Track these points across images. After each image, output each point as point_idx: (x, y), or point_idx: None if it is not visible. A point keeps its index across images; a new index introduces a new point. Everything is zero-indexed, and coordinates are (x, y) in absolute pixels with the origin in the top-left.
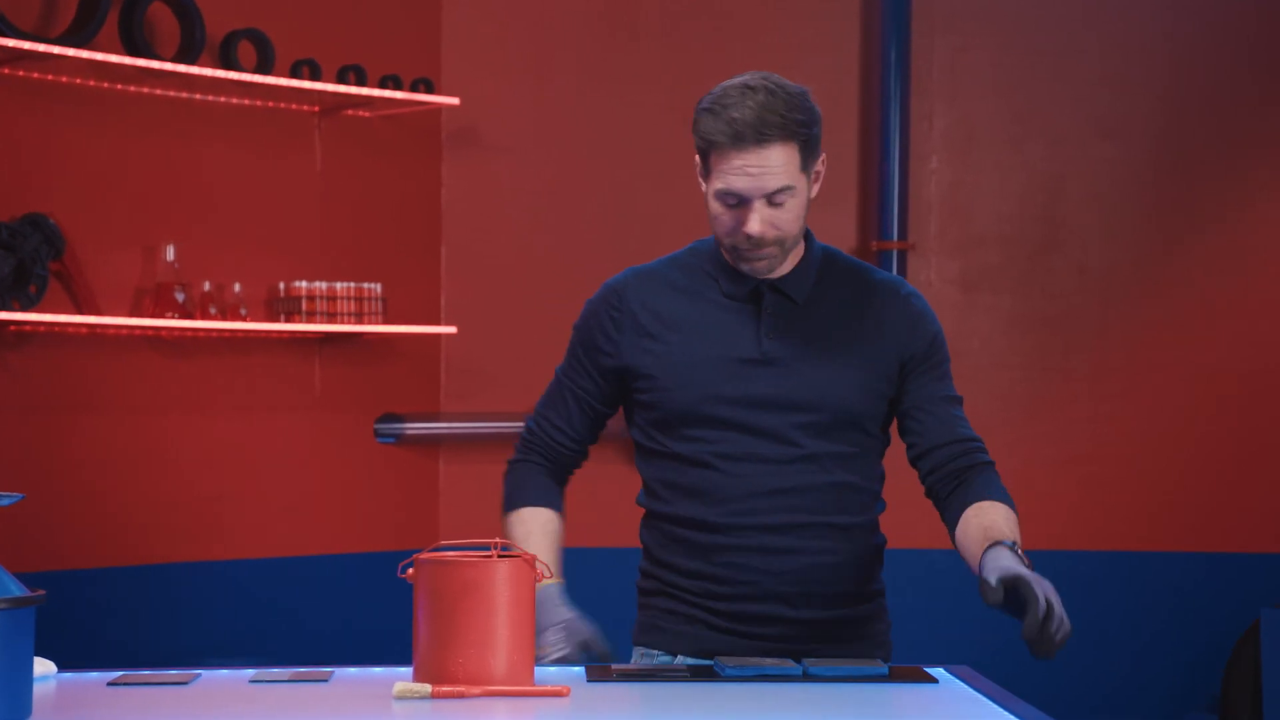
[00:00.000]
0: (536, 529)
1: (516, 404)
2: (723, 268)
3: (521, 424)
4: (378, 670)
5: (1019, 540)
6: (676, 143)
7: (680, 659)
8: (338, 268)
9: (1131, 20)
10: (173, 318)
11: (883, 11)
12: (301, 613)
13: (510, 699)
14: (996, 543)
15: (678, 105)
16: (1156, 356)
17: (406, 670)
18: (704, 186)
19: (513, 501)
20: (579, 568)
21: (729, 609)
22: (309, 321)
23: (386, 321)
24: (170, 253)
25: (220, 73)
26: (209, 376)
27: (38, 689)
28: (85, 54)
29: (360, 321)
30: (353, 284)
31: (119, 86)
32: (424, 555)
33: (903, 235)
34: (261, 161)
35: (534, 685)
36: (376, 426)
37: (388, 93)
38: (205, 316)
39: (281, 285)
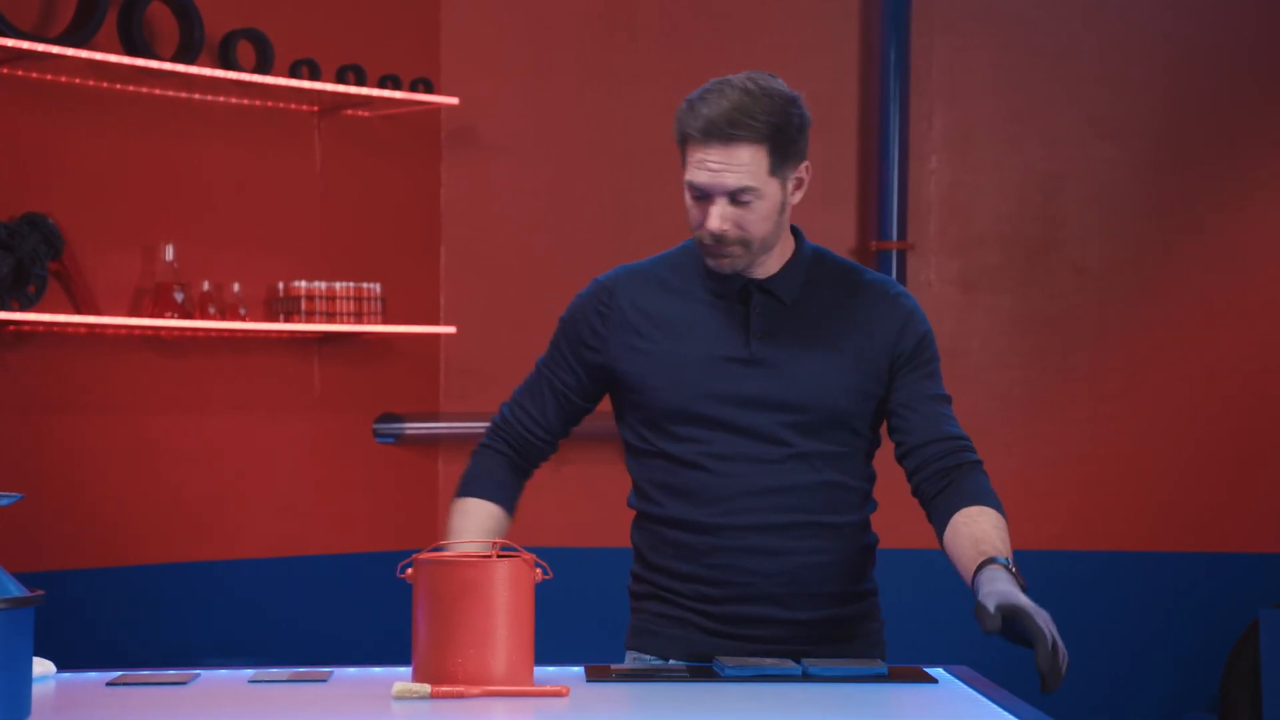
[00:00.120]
0: (472, 525)
1: None
2: (710, 267)
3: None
4: (377, 670)
5: (1010, 552)
6: (675, 143)
7: (672, 663)
8: (337, 268)
9: (1131, 20)
10: (172, 318)
11: (882, 12)
12: (300, 613)
13: (509, 699)
14: (990, 559)
15: (677, 105)
16: (1156, 356)
17: (405, 670)
18: (685, 192)
19: (464, 488)
20: (576, 568)
21: (721, 611)
22: (308, 321)
23: (386, 321)
24: (169, 252)
25: (219, 72)
26: (208, 376)
27: (37, 689)
28: (84, 54)
29: (359, 321)
30: (352, 284)
31: (118, 86)
32: (423, 555)
33: (902, 235)
34: (261, 161)
35: (533, 685)
36: (376, 426)
37: (387, 92)
38: (204, 316)
39: (281, 285)
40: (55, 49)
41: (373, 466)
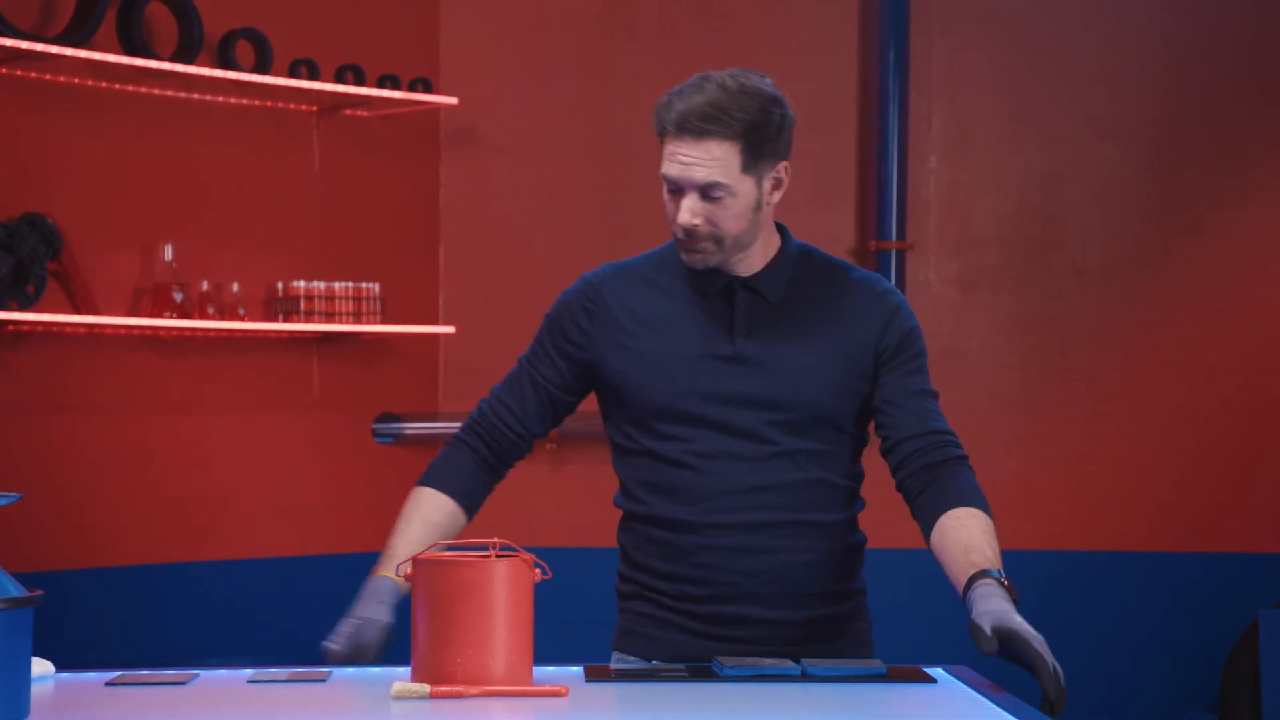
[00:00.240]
0: (419, 518)
1: None
2: (684, 262)
3: None
4: (376, 670)
5: (1000, 559)
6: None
7: (655, 665)
8: (336, 267)
9: (1130, 21)
10: (171, 317)
11: (881, 12)
12: (300, 613)
13: (508, 699)
14: (982, 572)
15: None
16: (1155, 356)
17: (405, 670)
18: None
19: (425, 478)
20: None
21: (705, 611)
22: (307, 321)
23: (385, 321)
24: (168, 252)
25: (218, 72)
26: (207, 376)
27: (36, 689)
28: (83, 54)
29: (358, 321)
30: (351, 284)
31: (117, 86)
32: (422, 555)
33: (901, 235)
34: (260, 161)
35: (532, 685)
36: (375, 426)
37: (386, 92)
38: (203, 316)
39: (280, 285)
40: (54, 49)
41: (372, 466)
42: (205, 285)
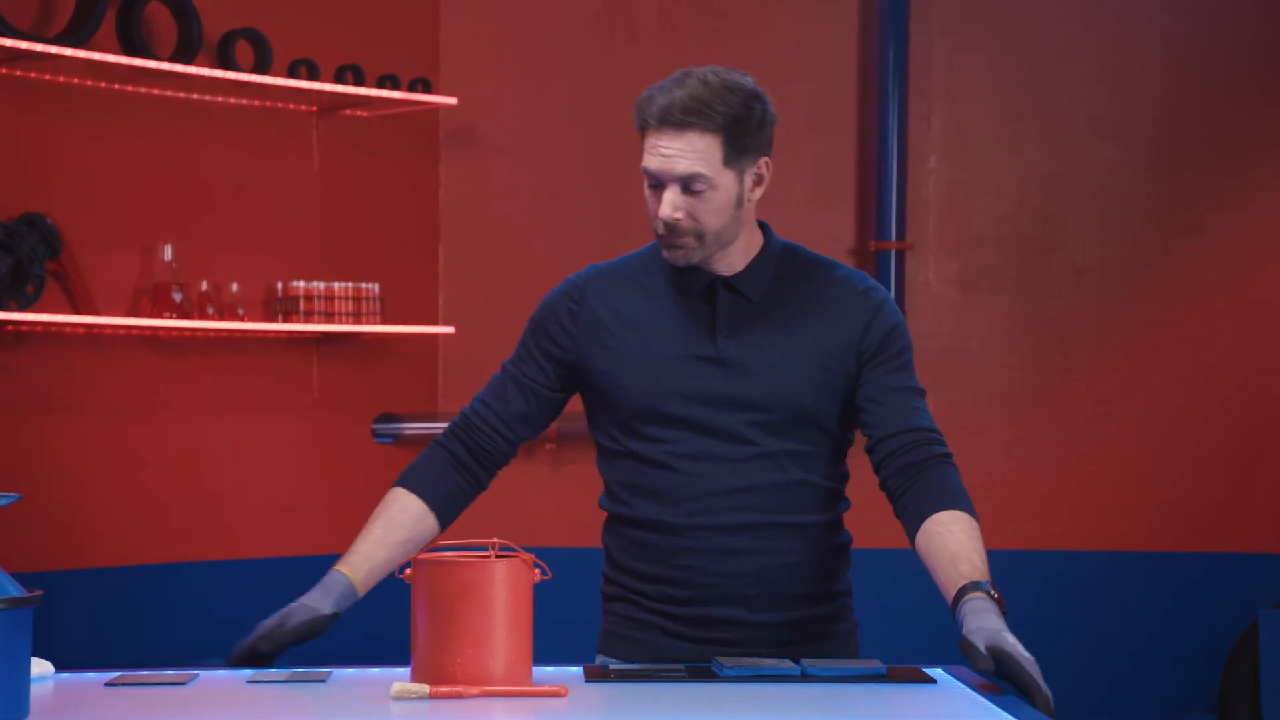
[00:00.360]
0: (384, 517)
1: None
2: (666, 259)
3: None
4: (375, 670)
5: (987, 567)
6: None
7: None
8: (335, 268)
9: (1130, 21)
10: (170, 318)
11: (881, 12)
12: None
13: (508, 699)
14: (972, 585)
15: None
16: (1155, 356)
17: (404, 670)
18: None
19: (399, 479)
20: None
21: (687, 613)
22: (307, 321)
23: (384, 321)
24: (168, 252)
25: (218, 72)
26: (206, 376)
27: (35, 689)
28: (83, 54)
29: (358, 321)
30: (350, 284)
31: (116, 86)
32: (422, 556)
33: (901, 235)
34: (259, 161)
35: (532, 685)
36: (374, 426)
37: (385, 92)
38: (203, 316)
39: (279, 285)
40: (54, 49)
41: (371, 466)
42: (205, 285)
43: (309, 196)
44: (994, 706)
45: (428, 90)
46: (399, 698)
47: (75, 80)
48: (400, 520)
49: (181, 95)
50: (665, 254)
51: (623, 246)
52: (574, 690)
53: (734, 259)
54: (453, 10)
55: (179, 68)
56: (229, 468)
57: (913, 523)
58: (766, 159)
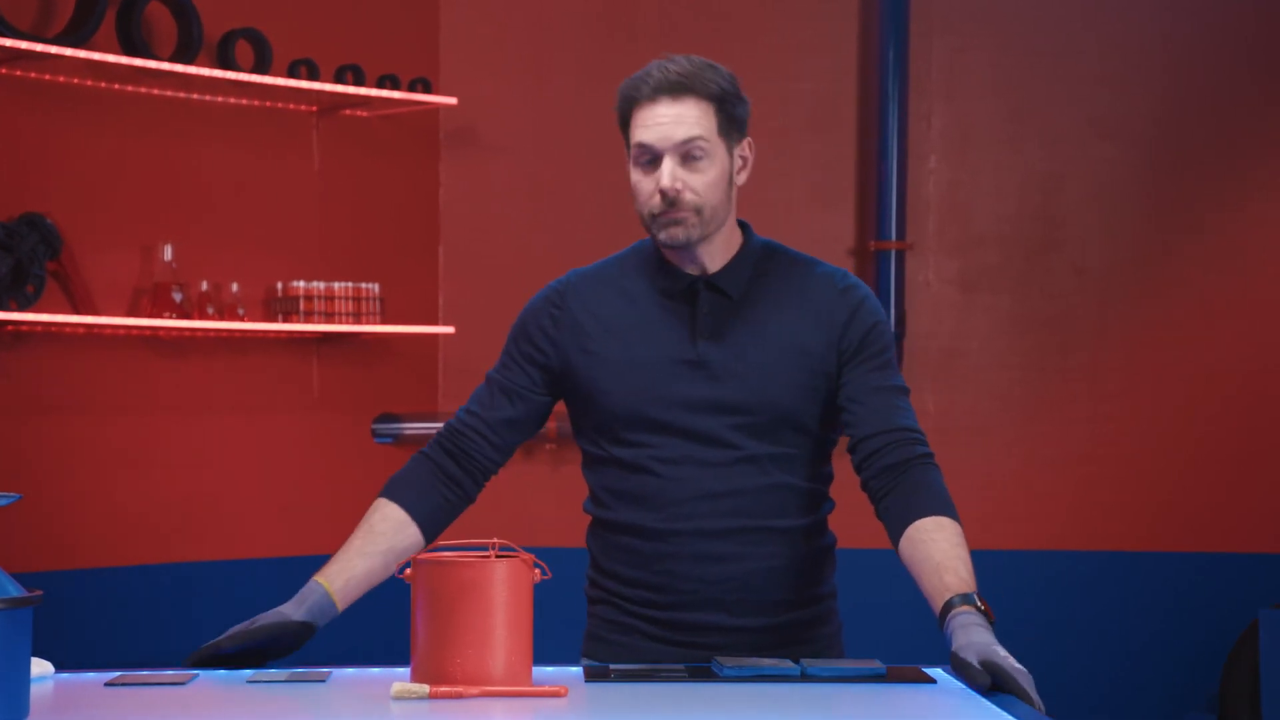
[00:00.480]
0: (364, 527)
1: None
2: (659, 265)
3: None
4: (375, 671)
5: (973, 576)
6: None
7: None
8: (335, 268)
9: (1130, 21)
10: (170, 318)
11: (881, 12)
12: None
13: (508, 699)
14: (960, 598)
15: None
16: (1155, 356)
17: (404, 671)
18: (630, 171)
19: (383, 489)
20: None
21: (668, 618)
22: (307, 321)
23: (384, 321)
24: (168, 252)
25: (218, 72)
26: (206, 376)
27: (35, 689)
28: (83, 54)
29: (358, 321)
30: (350, 284)
31: (116, 86)
32: (422, 555)
33: (901, 235)
34: (259, 161)
35: (531, 685)
36: (374, 426)
37: (385, 92)
38: (203, 316)
39: (279, 285)
40: (54, 49)
41: (371, 466)
42: (205, 285)
43: (309, 196)
44: (994, 707)
45: (428, 90)
46: (399, 698)
47: (75, 80)
48: (380, 530)
49: (181, 95)
50: (662, 235)
51: (621, 246)
52: (574, 690)
53: (716, 254)
54: (453, 10)
55: (179, 68)
56: (229, 468)
57: (896, 528)
58: (750, 141)
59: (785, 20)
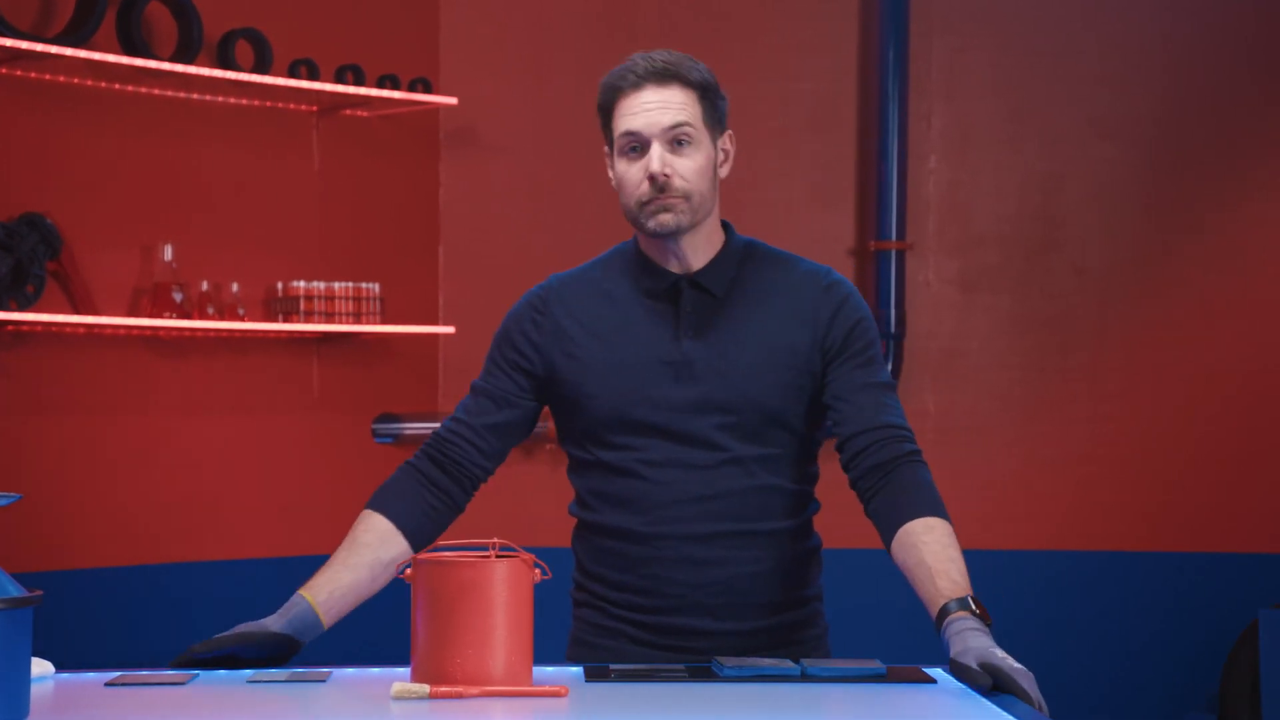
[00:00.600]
0: (349, 540)
1: None
2: (642, 265)
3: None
4: (376, 670)
5: (968, 579)
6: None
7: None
8: (336, 268)
9: (1130, 21)
10: (170, 318)
11: (881, 12)
12: None
13: (508, 699)
14: (956, 603)
15: None
16: (1155, 356)
17: (404, 671)
18: (611, 166)
19: (370, 500)
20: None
21: (653, 622)
22: (307, 321)
23: (384, 321)
24: (168, 252)
25: (218, 72)
26: (206, 376)
27: (35, 689)
28: (83, 53)
29: (358, 321)
30: (351, 284)
31: (116, 86)
32: (422, 556)
33: (901, 235)
34: (259, 161)
35: (532, 685)
36: (374, 426)
37: (386, 92)
38: (203, 316)
39: (279, 285)
40: (54, 49)
41: (371, 466)
42: (205, 285)
43: (309, 196)
44: (994, 707)
45: (428, 90)
46: (399, 698)
47: (75, 80)
48: (364, 541)
49: (181, 95)
50: (651, 223)
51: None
52: (574, 690)
53: (700, 250)
54: (453, 10)
55: (179, 68)
56: (229, 468)
57: (886, 530)
58: (731, 134)
59: (785, 20)
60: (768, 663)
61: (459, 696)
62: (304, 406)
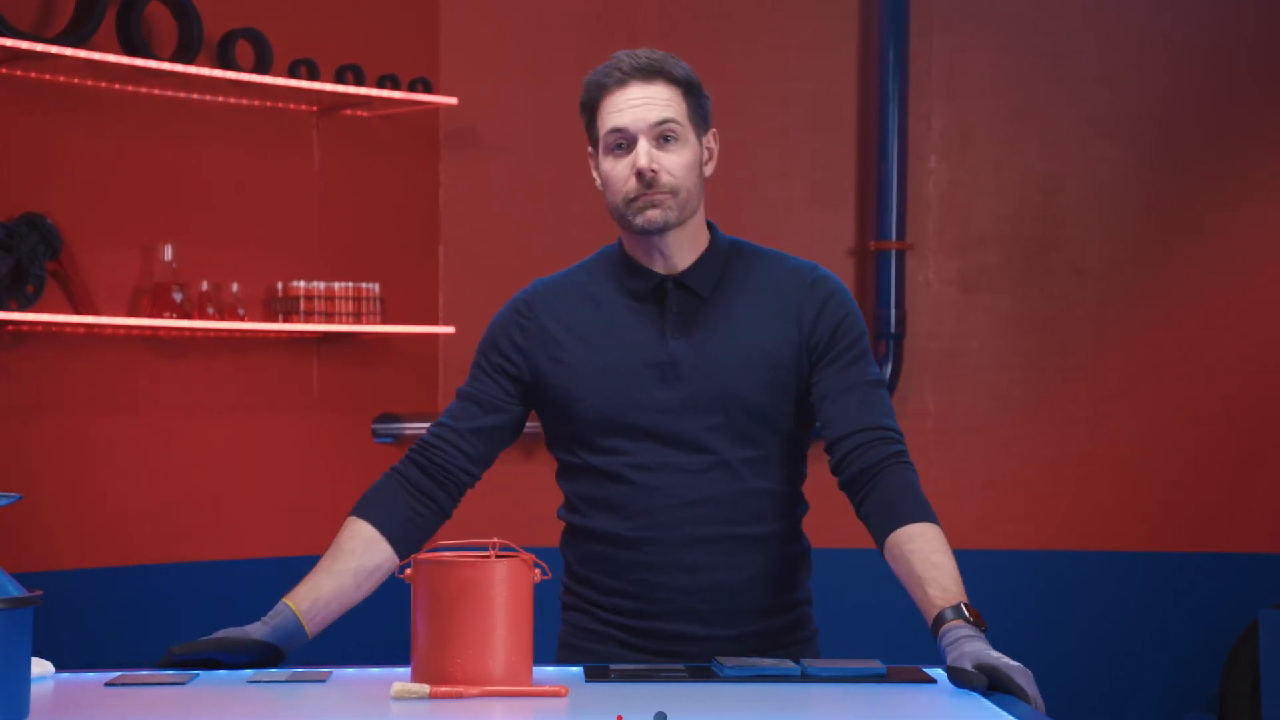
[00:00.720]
0: (333, 547)
1: None
2: (627, 267)
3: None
4: (376, 670)
5: (961, 585)
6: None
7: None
8: (336, 267)
9: (1130, 21)
10: (170, 318)
11: (881, 12)
12: None
13: (508, 699)
14: (952, 611)
15: None
16: (1155, 356)
17: (404, 670)
18: (595, 166)
19: (354, 507)
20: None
21: (641, 626)
22: (307, 321)
23: (384, 321)
24: (168, 252)
25: (218, 72)
26: (207, 376)
27: (35, 689)
28: (83, 54)
29: (358, 321)
30: (351, 284)
31: (116, 86)
32: (422, 556)
33: (901, 235)
34: (259, 161)
35: (532, 685)
36: (374, 426)
37: (386, 92)
38: (203, 316)
39: (279, 285)
40: (54, 49)
41: (371, 466)
42: (205, 285)
43: (309, 196)
44: (994, 707)
45: (428, 90)
46: (399, 698)
47: (75, 80)
48: (348, 548)
49: (181, 95)
50: (639, 220)
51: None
52: (574, 690)
53: (685, 250)
54: (453, 10)
55: (179, 68)
56: (229, 468)
57: (878, 536)
58: (715, 132)
59: (785, 20)
60: (768, 663)
61: (459, 696)
62: (304, 406)
